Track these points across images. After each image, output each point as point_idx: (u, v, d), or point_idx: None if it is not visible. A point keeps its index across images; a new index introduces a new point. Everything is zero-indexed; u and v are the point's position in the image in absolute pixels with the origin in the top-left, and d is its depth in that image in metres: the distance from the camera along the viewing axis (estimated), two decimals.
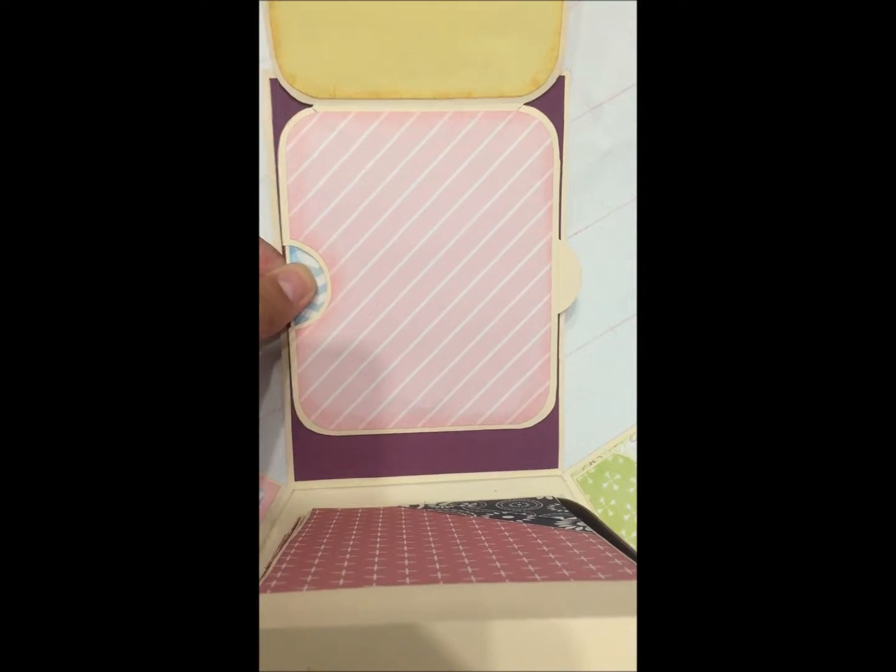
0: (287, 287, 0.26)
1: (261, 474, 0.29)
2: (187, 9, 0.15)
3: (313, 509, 0.29)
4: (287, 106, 0.26)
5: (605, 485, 0.30)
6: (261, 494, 0.29)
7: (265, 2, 0.24)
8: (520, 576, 0.19)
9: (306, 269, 0.26)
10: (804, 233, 0.15)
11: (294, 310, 0.27)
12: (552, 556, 0.21)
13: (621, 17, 0.26)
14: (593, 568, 0.20)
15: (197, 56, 0.15)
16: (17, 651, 0.15)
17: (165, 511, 0.15)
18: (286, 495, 0.29)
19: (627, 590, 0.18)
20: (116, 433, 0.15)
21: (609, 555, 0.21)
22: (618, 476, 0.30)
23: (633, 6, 0.26)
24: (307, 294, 0.27)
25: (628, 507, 0.30)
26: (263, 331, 0.26)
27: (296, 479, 0.29)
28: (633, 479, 0.30)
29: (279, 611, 0.18)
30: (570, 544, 0.23)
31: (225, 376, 0.15)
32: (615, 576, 0.19)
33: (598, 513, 0.30)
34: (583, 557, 0.21)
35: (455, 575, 0.19)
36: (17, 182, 0.15)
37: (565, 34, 0.26)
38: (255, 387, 0.25)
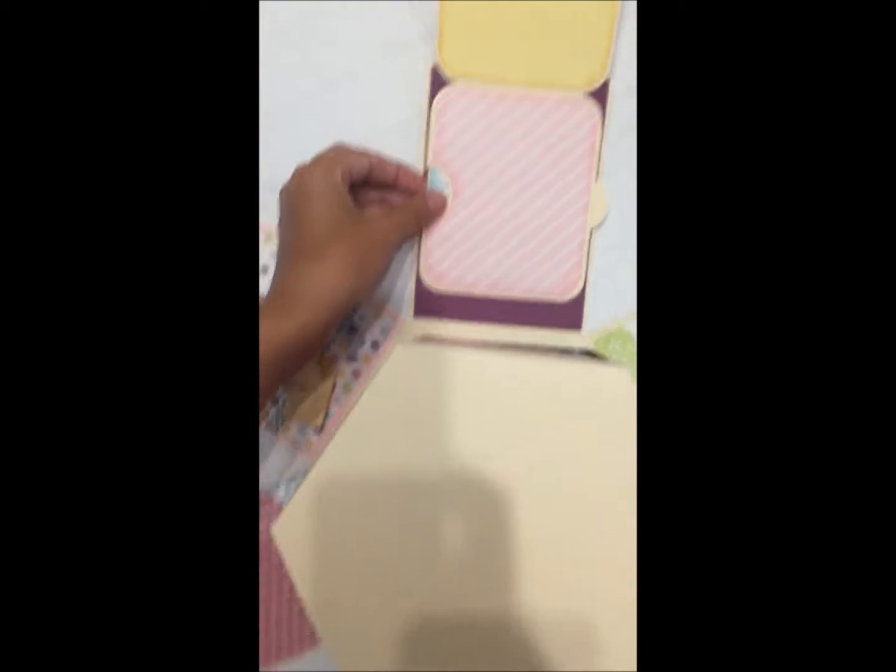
0: (431, 204, 0.43)
1: (393, 311, 0.46)
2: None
3: (423, 335, 0.45)
4: (439, 82, 0.43)
5: (610, 347, 0.46)
6: (391, 324, 0.46)
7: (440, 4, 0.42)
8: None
9: (443, 195, 0.44)
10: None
11: (433, 219, 0.44)
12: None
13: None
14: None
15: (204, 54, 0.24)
16: (31, 654, 0.21)
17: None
18: (407, 325, 0.46)
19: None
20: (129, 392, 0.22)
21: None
22: (619, 343, 0.46)
23: None
24: (441, 211, 0.44)
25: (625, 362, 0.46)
26: (415, 232, 0.44)
27: (414, 317, 0.46)
28: (631, 347, 0.46)
29: None
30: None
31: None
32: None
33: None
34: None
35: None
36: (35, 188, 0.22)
37: (611, 54, 0.43)
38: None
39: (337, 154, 0.39)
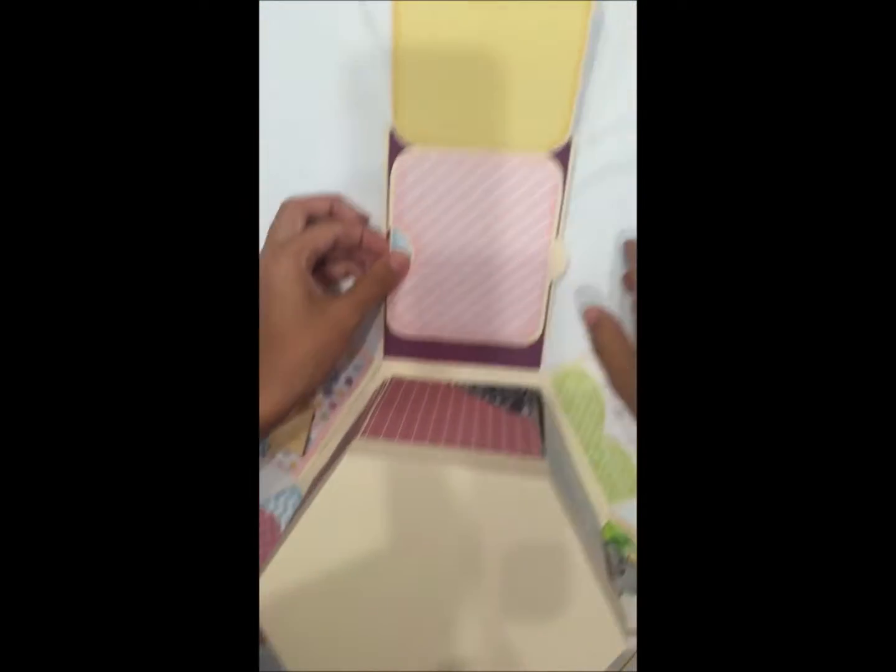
0: (394, 265, 0.45)
1: (365, 351, 0.49)
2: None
3: (392, 376, 0.49)
4: (397, 147, 0.43)
5: (567, 384, 0.49)
6: (363, 363, 0.49)
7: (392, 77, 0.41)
8: (480, 446, 0.39)
9: (406, 254, 0.45)
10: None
11: (397, 281, 0.46)
12: (504, 437, 0.41)
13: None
14: (522, 449, 0.39)
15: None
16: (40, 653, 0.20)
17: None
18: (377, 365, 0.49)
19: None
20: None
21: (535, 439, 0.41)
22: (574, 381, 0.49)
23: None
24: (405, 271, 0.46)
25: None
26: (381, 297, 0.45)
27: (384, 357, 0.49)
28: (586, 383, 0.49)
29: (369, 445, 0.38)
30: (519, 429, 0.42)
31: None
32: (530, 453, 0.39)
33: (556, 398, 0.49)
34: (520, 438, 0.41)
35: (451, 442, 0.39)
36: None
37: (574, 114, 0.41)
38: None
39: (305, 239, 0.40)
